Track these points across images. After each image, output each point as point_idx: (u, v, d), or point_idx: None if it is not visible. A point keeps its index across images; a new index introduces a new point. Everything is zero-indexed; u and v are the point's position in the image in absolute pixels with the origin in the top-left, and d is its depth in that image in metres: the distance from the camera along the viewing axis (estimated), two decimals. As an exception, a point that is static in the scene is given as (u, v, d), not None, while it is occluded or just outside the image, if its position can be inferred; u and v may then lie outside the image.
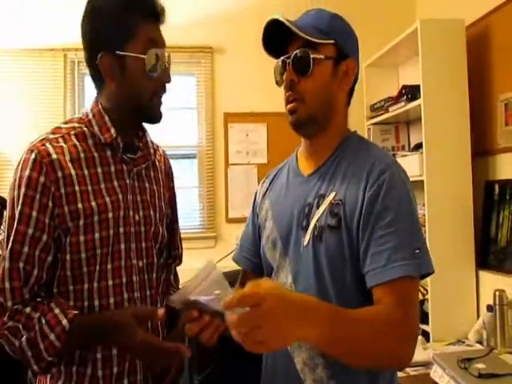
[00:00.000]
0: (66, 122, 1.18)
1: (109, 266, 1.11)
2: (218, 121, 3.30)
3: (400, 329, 0.93)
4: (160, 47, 1.13)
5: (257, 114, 3.29)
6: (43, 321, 1.02)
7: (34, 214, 1.04)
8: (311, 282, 1.05)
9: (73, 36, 3.00)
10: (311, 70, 1.07)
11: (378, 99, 2.94)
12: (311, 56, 1.07)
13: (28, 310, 1.03)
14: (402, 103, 2.62)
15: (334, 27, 1.11)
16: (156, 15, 1.13)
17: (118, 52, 1.09)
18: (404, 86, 2.63)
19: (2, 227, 2.05)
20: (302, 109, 1.10)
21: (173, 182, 1.40)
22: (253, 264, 1.27)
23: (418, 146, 2.61)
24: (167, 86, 1.19)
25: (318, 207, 1.07)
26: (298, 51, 1.08)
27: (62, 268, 1.09)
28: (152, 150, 1.28)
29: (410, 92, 2.54)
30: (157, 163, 1.30)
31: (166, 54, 1.15)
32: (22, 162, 1.09)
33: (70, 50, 3.14)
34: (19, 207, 1.04)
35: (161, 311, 1.04)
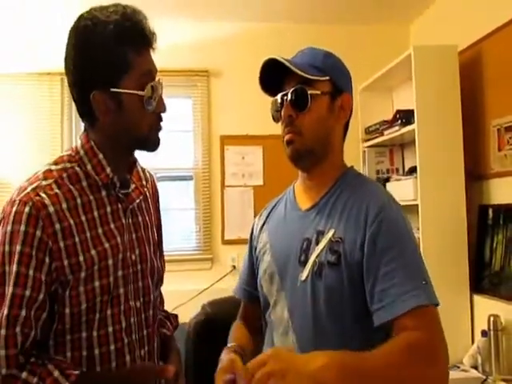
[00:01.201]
0: (56, 163, 1.08)
1: (108, 312, 1.05)
2: (214, 143, 3.33)
3: (426, 349, 0.91)
4: (154, 77, 1.08)
5: (253, 136, 3.31)
6: None
7: (31, 272, 0.96)
8: (308, 316, 1.05)
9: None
10: (309, 105, 1.10)
11: (372, 122, 2.97)
12: (309, 92, 1.09)
13: (24, 375, 0.94)
14: (397, 127, 2.65)
15: (328, 64, 1.14)
16: (149, 43, 1.07)
17: (112, 89, 1.02)
18: (398, 111, 2.67)
19: None
20: (299, 141, 1.11)
21: (159, 203, 1.34)
22: (252, 296, 1.27)
23: (413, 170, 2.63)
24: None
25: (317, 243, 1.07)
26: (296, 88, 1.10)
27: (59, 321, 1.01)
28: (144, 182, 1.23)
29: (404, 117, 2.58)
30: (147, 192, 1.24)
31: (160, 82, 1.09)
32: (14, 214, 0.97)
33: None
34: (15, 267, 0.95)
35: (171, 368, 1.02)
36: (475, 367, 2.23)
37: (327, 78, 1.12)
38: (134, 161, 1.20)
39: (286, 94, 1.12)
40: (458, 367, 2.25)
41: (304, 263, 1.08)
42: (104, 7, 1.04)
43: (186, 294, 2.81)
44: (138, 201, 1.17)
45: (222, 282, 3.16)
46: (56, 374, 0.96)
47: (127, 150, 1.13)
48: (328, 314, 1.03)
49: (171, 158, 3.28)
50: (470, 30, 2.55)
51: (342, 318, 1.03)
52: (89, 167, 1.08)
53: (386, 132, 2.80)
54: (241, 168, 3.33)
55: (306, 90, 1.09)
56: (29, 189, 1.00)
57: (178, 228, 3.33)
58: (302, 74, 1.08)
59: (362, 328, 1.02)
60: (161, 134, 1.14)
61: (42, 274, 0.97)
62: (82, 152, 1.09)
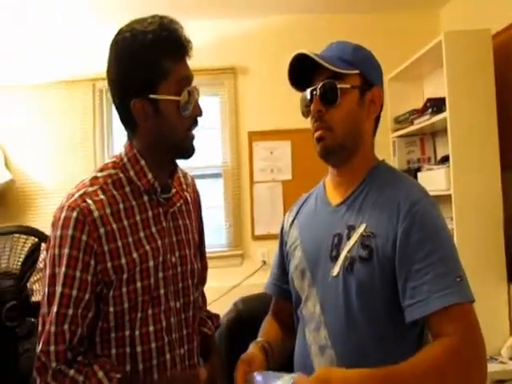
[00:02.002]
0: (101, 170, 1.16)
1: (149, 312, 1.11)
2: (242, 140, 3.34)
3: (463, 356, 0.91)
4: (191, 83, 1.12)
5: (280, 131, 3.30)
6: None
7: (78, 274, 1.04)
8: (340, 312, 1.05)
9: (100, 65, 3.13)
10: (338, 100, 1.09)
11: (402, 112, 2.92)
12: (338, 86, 1.08)
13: (72, 372, 1.01)
14: (427, 116, 2.60)
15: (358, 57, 1.12)
16: (184, 51, 1.12)
17: (151, 96, 1.07)
18: (429, 99, 2.62)
19: (41, 259, 2.13)
20: (330, 137, 1.10)
21: (200, 208, 1.40)
22: (283, 291, 1.28)
23: (445, 159, 2.57)
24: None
25: (348, 238, 1.07)
26: (324, 82, 1.09)
27: (104, 319, 1.08)
28: (184, 186, 1.29)
29: (435, 105, 2.53)
30: (188, 197, 1.29)
31: (195, 87, 1.14)
32: (62, 219, 1.05)
33: (97, 80, 3.24)
34: (63, 268, 1.03)
35: (203, 372, 1.08)
36: (514, 359, 2.18)
37: (357, 71, 1.10)
38: (175, 166, 1.24)
39: (316, 89, 1.11)
40: (496, 359, 2.20)
41: (335, 258, 1.07)
42: (143, 19, 1.10)
43: (217, 290, 2.81)
44: (178, 205, 1.22)
45: (253, 277, 3.17)
46: (100, 374, 1.02)
47: (166, 155, 1.17)
48: (360, 309, 1.02)
49: (200, 156, 3.29)
50: (504, 12, 2.47)
51: (374, 313, 1.02)
52: (131, 173, 1.14)
53: (416, 121, 2.75)
54: (269, 163, 3.32)
55: (335, 84, 1.08)
56: (76, 195, 1.08)
57: (208, 225, 3.32)
58: (331, 67, 1.06)
59: (394, 323, 1.01)
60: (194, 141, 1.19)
61: (88, 275, 1.05)
62: (125, 159, 1.15)
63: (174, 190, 1.22)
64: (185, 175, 1.33)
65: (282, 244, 1.30)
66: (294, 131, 3.19)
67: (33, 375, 1.03)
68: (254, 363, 1.08)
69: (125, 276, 1.07)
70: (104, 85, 3.23)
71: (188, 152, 1.17)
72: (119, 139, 3.31)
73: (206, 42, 3.21)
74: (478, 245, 2.32)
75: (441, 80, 2.44)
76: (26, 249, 2.13)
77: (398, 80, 2.99)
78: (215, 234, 3.34)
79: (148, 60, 1.06)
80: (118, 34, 1.10)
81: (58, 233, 1.05)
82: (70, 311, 1.02)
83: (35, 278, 2.15)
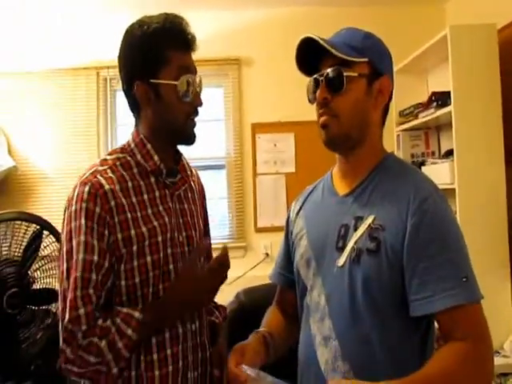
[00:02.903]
0: (110, 154, 1.24)
1: (160, 287, 1.16)
2: (245, 131, 3.34)
3: (477, 361, 0.93)
4: (191, 73, 1.20)
5: (284, 123, 3.30)
6: (118, 320, 1.08)
7: (96, 242, 1.09)
8: (345, 302, 1.04)
9: (104, 54, 3.13)
10: (344, 87, 1.06)
11: (406, 105, 2.91)
12: (344, 74, 1.06)
13: (100, 321, 1.07)
14: (432, 110, 2.58)
15: (367, 45, 1.09)
16: (187, 44, 1.20)
17: (151, 80, 1.16)
18: (434, 93, 2.60)
19: (43, 246, 2.14)
20: (335, 124, 1.09)
21: (205, 200, 1.47)
22: (288, 280, 1.28)
23: (449, 153, 2.57)
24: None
25: (355, 229, 1.06)
26: (331, 69, 1.07)
27: (117, 294, 1.14)
28: (189, 172, 1.35)
29: (440, 98, 2.51)
30: (192, 184, 1.36)
31: (198, 79, 1.22)
32: (76, 195, 1.12)
33: (102, 68, 3.24)
34: (82, 237, 1.09)
35: (205, 241, 1.19)
36: (516, 353, 2.19)
37: (365, 59, 1.08)
38: (179, 153, 1.32)
39: (322, 75, 1.09)
40: (499, 353, 2.21)
41: (341, 249, 1.07)
42: (152, 15, 1.20)
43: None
44: (183, 188, 1.29)
45: (256, 269, 3.18)
46: (125, 310, 1.10)
47: (169, 141, 1.25)
48: (365, 301, 1.02)
49: (203, 147, 3.31)
50: (510, 7, 2.45)
51: (379, 305, 1.01)
52: (139, 157, 1.22)
53: (420, 115, 2.74)
54: (273, 155, 3.32)
55: (341, 71, 1.06)
56: (87, 173, 1.16)
57: (211, 217, 3.35)
58: (338, 53, 1.04)
59: (399, 316, 1.01)
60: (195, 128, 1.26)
61: (104, 245, 1.11)
62: (132, 145, 1.23)
63: (179, 176, 1.28)
64: (190, 166, 1.39)
65: (288, 233, 1.30)
66: (298, 123, 3.19)
67: (60, 348, 1.06)
68: (246, 353, 1.09)
69: (134, 248, 1.13)
70: (108, 73, 3.24)
71: (189, 138, 1.24)
72: (123, 128, 3.32)
73: (211, 32, 3.21)
74: (481, 239, 2.32)
75: (446, 74, 2.42)
76: (28, 236, 2.14)
77: (403, 73, 2.97)
78: (218, 225, 3.34)
79: (150, 47, 1.16)
80: (130, 26, 1.21)
81: (73, 208, 1.12)
82: (94, 276, 1.08)
83: (37, 266, 2.16)
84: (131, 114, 1.26)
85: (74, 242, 1.09)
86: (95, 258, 1.09)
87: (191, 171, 1.38)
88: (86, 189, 1.12)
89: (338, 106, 1.08)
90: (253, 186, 3.32)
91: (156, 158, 1.21)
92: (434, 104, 2.55)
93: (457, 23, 2.75)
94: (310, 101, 1.16)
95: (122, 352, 1.07)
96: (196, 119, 1.24)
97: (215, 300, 1.45)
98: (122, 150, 1.24)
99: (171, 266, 1.19)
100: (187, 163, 1.37)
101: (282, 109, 3.28)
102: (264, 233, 3.26)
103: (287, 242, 1.30)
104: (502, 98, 2.36)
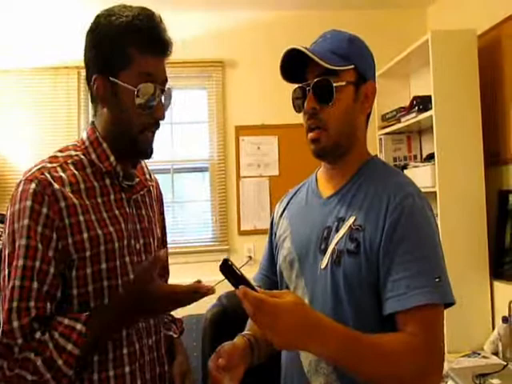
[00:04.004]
0: (61, 150, 1.13)
1: None
2: (229, 134, 3.32)
3: (421, 358, 0.93)
4: (156, 82, 1.08)
5: (268, 126, 3.30)
6: (56, 335, 0.96)
7: (40, 246, 0.98)
8: (328, 304, 1.04)
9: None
10: (334, 98, 1.05)
11: (389, 109, 2.94)
12: (334, 84, 1.05)
13: (38, 335, 0.96)
14: (414, 114, 2.61)
15: (352, 51, 1.08)
16: (155, 48, 1.08)
17: (111, 78, 1.06)
18: (415, 97, 2.63)
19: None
20: (326, 137, 1.08)
21: (163, 208, 1.37)
22: (272, 283, 1.27)
23: (431, 157, 2.60)
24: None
25: (337, 231, 1.06)
26: (319, 79, 1.06)
27: (69, 302, 1.03)
28: (148, 176, 1.25)
29: (422, 103, 2.54)
30: (151, 189, 1.26)
31: (161, 90, 1.10)
32: (20, 192, 1.01)
33: (83, 68, 3.17)
34: (24, 240, 0.97)
35: (162, 252, 1.04)
36: (496, 353, 2.22)
37: (352, 66, 1.07)
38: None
39: (309, 85, 1.08)
40: (479, 354, 2.24)
41: (324, 251, 1.07)
42: (126, 6, 1.09)
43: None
44: (142, 193, 1.19)
45: (239, 272, 3.17)
46: (66, 321, 0.98)
47: (124, 144, 1.12)
48: (348, 302, 1.02)
49: (187, 149, 3.30)
50: (489, 13, 2.50)
51: (362, 306, 1.02)
52: (93, 156, 1.11)
53: (403, 119, 2.77)
54: (256, 158, 3.32)
55: (330, 82, 1.05)
56: (34, 169, 1.04)
57: (194, 219, 3.35)
58: (326, 65, 1.03)
59: (382, 316, 1.00)
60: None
61: (49, 250, 0.99)
62: (87, 142, 1.13)
63: (137, 179, 1.19)
64: (149, 171, 1.29)
65: (272, 235, 1.29)
66: (282, 126, 3.20)
67: None
68: (234, 355, 1.06)
69: (88, 254, 1.02)
70: (89, 73, 3.19)
71: (144, 152, 1.13)
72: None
73: (196, 34, 3.20)
74: (461, 241, 2.35)
75: (428, 78, 2.46)
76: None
77: (386, 77, 3.00)
78: (201, 228, 3.33)
79: (113, 42, 1.05)
80: (100, 12, 1.10)
81: (16, 207, 1.00)
82: (35, 285, 0.96)
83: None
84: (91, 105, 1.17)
85: (17, 245, 0.97)
86: (37, 263, 0.97)
87: (150, 175, 1.28)
88: (32, 186, 1.00)
89: (327, 117, 1.07)
90: (236, 188, 3.31)
91: (112, 158, 1.10)
92: (416, 108, 2.58)
93: (438, 28, 2.79)
94: (295, 109, 1.15)
95: (62, 369, 0.95)
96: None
97: (172, 313, 1.38)
98: (76, 147, 1.13)
99: (132, 276, 1.08)
100: (146, 166, 1.27)
101: (266, 111, 3.28)
102: (247, 236, 3.26)
103: (271, 245, 1.29)
104: (481, 103, 2.40)
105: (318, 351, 0.90)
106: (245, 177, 3.31)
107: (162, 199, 1.36)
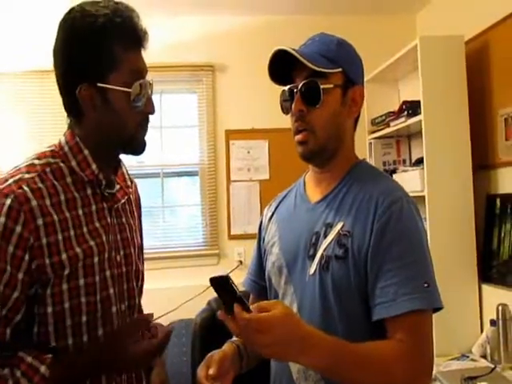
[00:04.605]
0: (38, 158, 1.04)
1: (98, 315, 1.01)
2: (219, 138, 3.32)
3: (411, 365, 0.93)
4: (143, 77, 1.05)
5: (258, 130, 3.30)
6: (17, 373, 0.89)
7: (8, 268, 0.91)
8: (316, 310, 1.04)
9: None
10: (321, 100, 1.05)
11: (378, 113, 2.96)
12: (321, 87, 1.05)
13: None
14: (403, 119, 2.63)
15: (340, 54, 1.09)
16: (139, 43, 1.04)
17: (99, 84, 1.00)
18: (404, 102, 2.65)
19: None
20: (313, 140, 1.08)
21: (140, 210, 1.31)
22: (260, 288, 1.26)
23: (419, 161, 2.62)
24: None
25: (325, 236, 1.06)
26: (307, 81, 1.06)
27: (41, 323, 0.96)
28: (129, 183, 1.21)
29: (411, 108, 2.56)
30: (131, 196, 1.22)
31: (149, 82, 1.06)
32: None
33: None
34: None
35: (151, 315, 1.02)
36: (484, 356, 2.23)
37: (340, 69, 1.07)
38: (119, 161, 1.17)
39: (296, 87, 1.08)
40: (468, 357, 2.25)
41: (313, 257, 1.07)
42: (96, 2, 1.02)
43: (192, 289, 2.76)
44: (123, 201, 1.15)
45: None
46: (29, 359, 0.92)
47: (113, 148, 1.10)
48: (336, 308, 1.02)
49: (177, 153, 3.29)
50: (477, 20, 2.53)
51: (350, 312, 1.02)
52: (73, 163, 1.04)
53: (392, 123, 2.79)
54: (246, 162, 3.32)
55: (318, 84, 1.05)
56: (10, 181, 0.95)
57: (184, 224, 3.35)
58: (314, 67, 1.03)
59: (371, 323, 1.00)
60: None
61: (19, 273, 0.92)
62: (66, 148, 1.05)
63: (118, 186, 1.14)
64: (129, 176, 1.24)
65: (260, 240, 1.29)
66: (272, 131, 3.20)
67: None
68: (224, 362, 1.05)
69: (66, 272, 0.96)
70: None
71: (138, 148, 1.09)
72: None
73: (186, 38, 3.19)
74: (450, 245, 2.37)
75: (417, 83, 2.48)
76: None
77: (375, 82, 3.02)
78: (191, 232, 3.32)
79: (98, 45, 0.99)
80: (69, 13, 1.02)
81: None
82: None
83: None
84: (67, 113, 1.09)
85: None
86: (1, 288, 0.90)
87: (130, 180, 1.23)
88: (8, 202, 0.91)
89: (314, 119, 1.07)
90: (226, 192, 3.30)
91: (94, 166, 1.04)
92: (405, 113, 2.60)
93: (427, 34, 2.82)
94: (282, 110, 1.15)
95: None
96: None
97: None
98: (53, 153, 1.05)
99: (111, 291, 1.04)
100: (127, 171, 1.22)
101: (256, 116, 3.28)
102: (237, 240, 3.25)
103: (260, 249, 1.29)
104: (469, 108, 2.43)
105: (308, 363, 0.90)
106: (235, 181, 3.31)
107: (139, 203, 1.30)
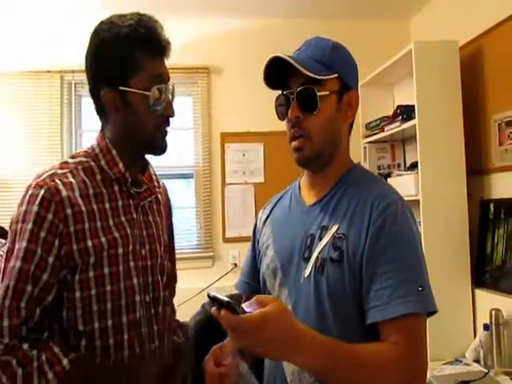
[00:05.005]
0: (72, 157, 1.16)
1: (123, 302, 1.09)
2: (214, 141, 3.32)
3: (405, 367, 0.93)
4: (164, 82, 1.13)
5: (253, 133, 3.31)
6: (43, 357, 0.98)
7: (39, 251, 1.01)
8: (311, 313, 1.04)
9: (69, 58, 3.07)
10: (318, 107, 1.05)
11: (373, 118, 2.97)
12: (318, 94, 1.05)
13: (25, 346, 0.98)
14: (398, 123, 2.64)
15: (336, 59, 1.09)
16: (161, 51, 1.13)
17: (121, 87, 1.09)
18: (399, 107, 2.67)
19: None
20: (309, 146, 1.08)
21: (171, 214, 1.39)
22: (254, 290, 1.26)
23: (414, 165, 2.63)
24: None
25: (320, 239, 1.06)
26: (303, 88, 1.06)
27: (70, 308, 1.05)
28: (156, 183, 1.28)
29: (405, 112, 2.58)
30: (159, 196, 1.29)
31: (170, 87, 1.15)
32: (28, 196, 1.04)
33: (66, 72, 3.16)
34: (24, 243, 1.01)
35: None
36: (477, 361, 2.24)
37: (335, 75, 1.07)
38: (146, 162, 1.25)
39: (292, 93, 1.08)
40: (461, 361, 2.26)
41: (308, 260, 1.07)
42: (123, 15, 1.12)
43: (187, 292, 2.75)
44: (149, 199, 1.22)
45: (224, 280, 3.16)
46: (56, 350, 1.00)
47: (136, 149, 1.18)
48: (331, 311, 1.02)
49: (172, 155, 3.28)
50: (471, 25, 2.55)
51: (345, 315, 1.02)
52: (103, 162, 1.14)
53: (386, 128, 2.80)
54: (241, 165, 3.32)
55: (314, 91, 1.05)
56: (45, 175, 1.07)
57: (179, 226, 3.33)
58: (310, 74, 1.03)
59: (365, 325, 1.00)
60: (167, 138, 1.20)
61: (49, 256, 1.02)
62: (97, 149, 1.16)
63: (145, 186, 1.22)
64: (157, 178, 1.32)
65: (255, 242, 1.28)
66: (267, 133, 3.21)
67: None
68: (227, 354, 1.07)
69: (92, 260, 1.05)
70: (73, 78, 3.16)
71: (159, 149, 1.18)
72: (88, 133, 3.24)
73: (181, 40, 3.18)
74: (444, 249, 2.38)
75: (411, 87, 2.49)
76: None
77: (370, 86, 3.03)
78: (186, 235, 3.31)
79: (120, 52, 1.08)
80: (99, 24, 1.13)
81: (23, 208, 1.04)
82: (29, 288, 0.99)
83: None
84: (97, 116, 1.19)
85: (16, 246, 1.01)
86: (33, 268, 1.00)
87: (158, 182, 1.31)
88: (41, 192, 1.03)
89: (310, 125, 1.07)
90: (221, 195, 3.30)
91: (121, 165, 1.14)
92: (400, 117, 2.61)
93: (421, 39, 2.84)
94: (278, 117, 1.15)
95: None
96: (168, 130, 1.18)
97: (178, 318, 1.40)
98: (86, 154, 1.16)
99: (135, 280, 1.12)
100: (154, 173, 1.30)
101: (251, 118, 3.29)
102: (232, 243, 3.25)
103: (254, 251, 1.29)
104: (463, 112, 2.44)
105: (302, 362, 0.88)
106: (230, 184, 3.31)
107: (170, 206, 1.38)
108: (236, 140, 3.32)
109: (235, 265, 3.23)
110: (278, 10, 3.22)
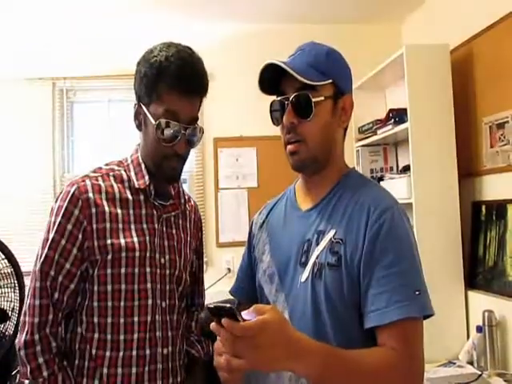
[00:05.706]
0: (107, 164, 1.28)
1: (135, 303, 1.17)
2: (207, 146, 3.32)
3: (402, 372, 0.94)
4: (177, 120, 1.17)
5: (246, 138, 3.31)
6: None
7: (63, 242, 1.14)
8: (308, 317, 1.04)
9: (61, 64, 3.05)
10: (313, 113, 1.06)
11: (365, 121, 2.98)
12: (313, 100, 1.05)
13: (41, 360, 1.11)
14: (390, 126, 2.66)
15: (331, 65, 1.09)
16: (183, 88, 1.16)
17: (142, 106, 1.20)
18: (391, 110, 2.68)
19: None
20: (304, 150, 1.08)
21: (201, 232, 1.46)
22: (249, 295, 1.25)
23: (406, 168, 2.64)
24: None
25: (317, 244, 1.06)
26: (298, 94, 1.06)
27: (89, 298, 1.17)
28: (183, 200, 1.35)
29: (398, 115, 2.59)
30: (187, 213, 1.37)
31: (190, 130, 1.20)
32: (63, 193, 1.19)
33: (58, 79, 3.15)
34: (52, 234, 1.15)
35: None
36: (471, 363, 2.25)
37: (330, 81, 1.08)
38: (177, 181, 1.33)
39: (287, 99, 1.08)
40: (454, 363, 2.26)
41: (305, 265, 1.07)
42: (169, 45, 1.21)
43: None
44: (173, 214, 1.29)
45: (217, 285, 3.15)
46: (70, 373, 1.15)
47: (153, 168, 1.25)
48: (328, 316, 1.02)
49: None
50: (461, 29, 2.57)
51: (342, 320, 1.02)
52: (132, 173, 1.25)
53: (379, 131, 2.81)
54: (235, 170, 3.32)
55: (309, 97, 1.05)
56: (78, 177, 1.22)
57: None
58: (305, 80, 1.04)
59: (362, 330, 1.00)
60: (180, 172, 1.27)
61: (73, 247, 1.15)
62: (129, 160, 1.28)
63: (171, 201, 1.29)
64: (189, 198, 1.41)
65: (250, 247, 1.28)
66: (260, 138, 3.21)
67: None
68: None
69: (109, 257, 1.15)
70: (64, 84, 3.14)
71: (164, 178, 1.24)
72: (80, 142, 3.21)
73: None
74: (436, 251, 2.39)
75: (403, 91, 2.51)
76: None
77: (362, 90, 3.05)
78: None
79: (148, 79, 1.17)
80: (153, 46, 1.23)
81: (56, 204, 1.19)
82: (52, 272, 1.13)
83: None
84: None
85: (47, 236, 1.15)
86: (57, 256, 1.13)
87: (186, 199, 1.37)
88: (72, 190, 1.17)
89: (305, 131, 1.08)
90: (215, 200, 3.30)
91: (147, 178, 1.23)
92: (392, 121, 2.63)
93: (412, 43, 2.86)
94: (273, 122, 1.15)
95: None
96: (178, 166, 1.24)
97: (199, 335, 1.43)
98: (119, 163, 1.28)
99: (149, 285, 1.19)
100: (183, 191, 1.36)
101: (244, 123, 3.29)
102: (226, 248, 3.24)
103: (250, 256, 1.28)
104: (455, 115, 2.46)
105: (299, 370, 0.87)
106: (223, 188, 3.31)
107: (200, 224, 1.44)
108: (229, 145, 3.32)
109: (229, 270, 3.22)
110: (271, 15, 3.23)
